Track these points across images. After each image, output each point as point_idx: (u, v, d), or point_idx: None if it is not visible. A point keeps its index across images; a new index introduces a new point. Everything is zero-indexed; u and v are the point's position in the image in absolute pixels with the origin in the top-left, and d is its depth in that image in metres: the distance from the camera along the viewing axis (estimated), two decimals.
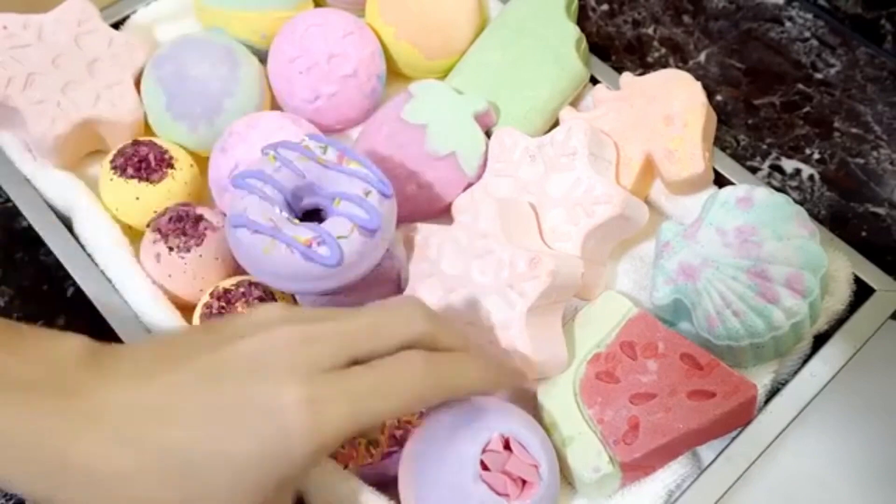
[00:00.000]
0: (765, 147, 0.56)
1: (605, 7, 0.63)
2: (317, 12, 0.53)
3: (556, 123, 0.52)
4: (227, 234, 0.42)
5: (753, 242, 0.43)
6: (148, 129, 0.52)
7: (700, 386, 0.41)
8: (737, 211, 0.45)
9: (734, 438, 0.42)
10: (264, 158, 0.42)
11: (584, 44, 0.55)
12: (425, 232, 0.45)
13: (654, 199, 0.51)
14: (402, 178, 0.49)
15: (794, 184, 0.55)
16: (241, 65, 0.51)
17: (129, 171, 0.48)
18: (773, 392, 0.44)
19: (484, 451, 0.36)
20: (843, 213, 0.53)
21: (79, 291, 0.47)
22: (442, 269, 0.43)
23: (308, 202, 0.42)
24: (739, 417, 0.42)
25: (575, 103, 0.54)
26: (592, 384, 0.42)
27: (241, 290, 0.44)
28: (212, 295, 0.44)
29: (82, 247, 0.48)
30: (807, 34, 0.60)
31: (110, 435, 0.30)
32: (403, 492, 0.39)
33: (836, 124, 0.56)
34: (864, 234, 0.52)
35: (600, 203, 0.45)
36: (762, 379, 0.44)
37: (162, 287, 0.46)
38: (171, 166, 0.49)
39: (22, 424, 0.30)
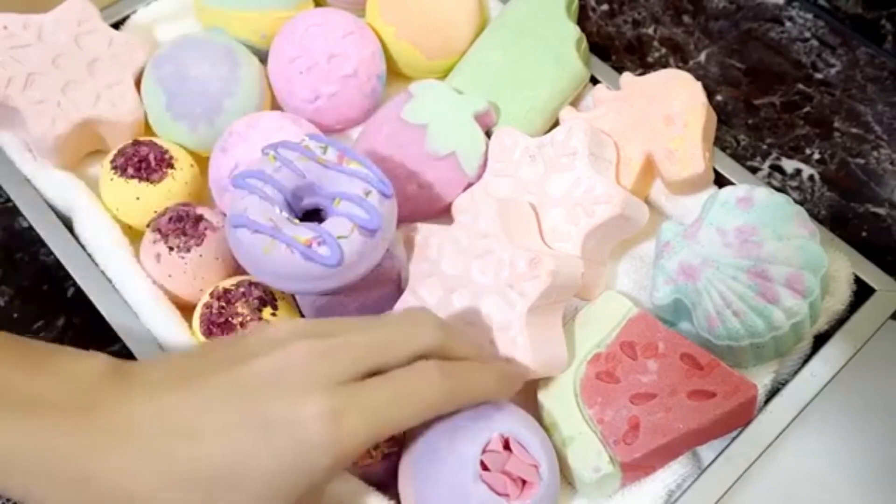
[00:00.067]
0: (765, 147, 0.56)
1: (605, 7, 0.63)
2: (317, 12, 0.53)
3: (556, 123, 0.52)
4: (227, 234, 0.42)
5: (754, 242, 0.43)
6: (148, 129, 0.52)
7: (700, 386, 0.41)
8: (737, 211, 0.45)
9: (734, 438, 0.42)
10: (264, 158, 0.42)
11: (585, 44, 0.55)
12: (425, 232, 0.45)
13: (654, 199, 0.51)
14: (402, 178, 0.49)
15: (794, 184, 0.55)
16: (241, 65, 0.51)
17: (130, 171, 0.48)
18: (774, 392, 0.44)
19: (484, 451, 0.36)
20: (843, 214, 0.53)
21: (79, 291, 0.47)
22: (442, 269, 0.43)
23: (308, 202, 0.42)
24: (739, 417, 0.42)
25: (575, 103, 0.54)
26: (593, 384, 0.42)
27: (241, 290, 0.44)
28: (212, 295, 0.44)
29: (82, 247, 0.48)
30: (807, 34, 0.60)
31: (134, 451, 0.31)
32: (403, 492, 0.39)
33: (837, 124, 0.56)
34: (864, 234, 0.52)
35: (600, 203, 0.45)
36: (762, 379, 0.44)
37: (162, 287, 0.46)
38: (171, 166, 0.49)
39: (46, 442, 0.30)
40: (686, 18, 0.62)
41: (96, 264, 0.48)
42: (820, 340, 0.45)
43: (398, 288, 0.46)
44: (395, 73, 0.56)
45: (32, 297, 0.51)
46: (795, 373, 0.44)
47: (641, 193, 0.50)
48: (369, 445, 0.32)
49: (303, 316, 0.46)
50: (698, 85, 0.50)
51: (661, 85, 0.50)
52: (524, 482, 0.37)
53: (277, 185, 0.41)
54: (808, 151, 0.56)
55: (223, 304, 0.44)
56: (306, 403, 0.31)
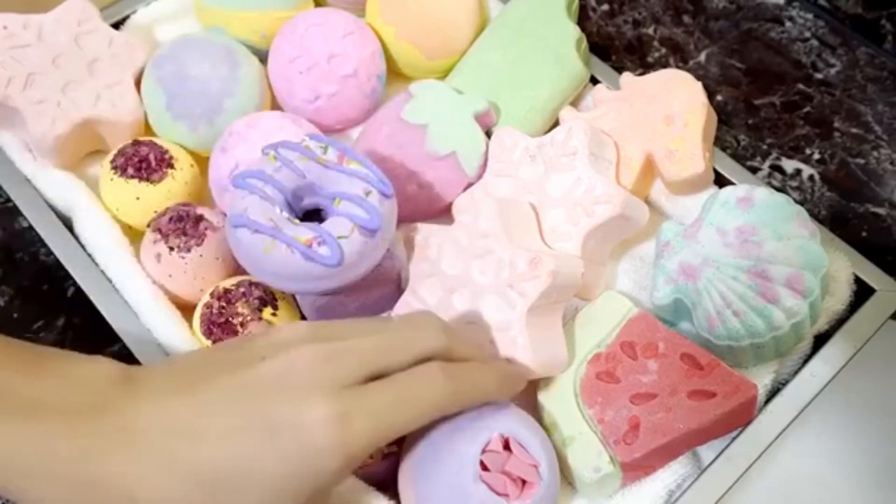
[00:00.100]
0: (765, 147, 0.56)
1: (605, 7, 0.63)
2: (317, 12, 0.53)
3: (556, 123, 0.52)
4: (227, 234, 0.42)
5: (754, 242, 0.43)
6: (148, 129, 0.52)
7: (700, 386, 0.41)
8: (737, 211, 0.45)
9: (734, 438, 0.42)
10: (264, 158, 0.42)
11: (585, 44, 0.55)
12: (425, 232, 0.45)
13: (655, 199, 0.51)
14: (402, 178, 0.49)
15: (794, 184, 0.55)
16: (241, 65, 0.51)
17: (130, 171, 0.48)
18: (774, 392, 0.44)
19: (484, 451, 0.36)
20: (843, 214, 0.53)
21: (79, 291, 0.47)
22: (442, 269, 0.43)
23: (308, 202, 0.42)
24: (740, 417, 0.42)
25: (575, 103, 0.54)
26: (593, 384, 0.42)
27: (242, 290, 0.44)
28: (212, 295, 0.44)
29: (82, 247, 0.48)
30: (807, 34, 0.60)
31: (141, 454, 0.31)
32: (403, 492, 0.39)
33: (837, 124, 0.56)
34: (864, 234, 0.52)
35: (600, 203, 0.45)
36: (762, 379, 0.44)
37: (162, 287, 0.46)
38: (171, 166, 0.49)
39: (46, 445, 0.30)
40: (686, 18, 0.62)
41: (96, 264, 0.48)
42: (820, 340, 0.45)
43: (398, 288, 0.46)
44: (395, 73, 0.56)
45: (32, 297, 0.51)
46: (795, 373, 0.44)
47: (641, 193, 0.50)
48: (375, 448, 0.32)
49: (303, 316, 0.46)
50: (698, 85, 0.50)
51: (661, 85, 0.50)
52: (524, 482, 0.37)
53: (278, 185, 0.41)
54: (808, 151, 0.56)
55: (223, 304, 0.44)
56: (312, 407, 0.31)
